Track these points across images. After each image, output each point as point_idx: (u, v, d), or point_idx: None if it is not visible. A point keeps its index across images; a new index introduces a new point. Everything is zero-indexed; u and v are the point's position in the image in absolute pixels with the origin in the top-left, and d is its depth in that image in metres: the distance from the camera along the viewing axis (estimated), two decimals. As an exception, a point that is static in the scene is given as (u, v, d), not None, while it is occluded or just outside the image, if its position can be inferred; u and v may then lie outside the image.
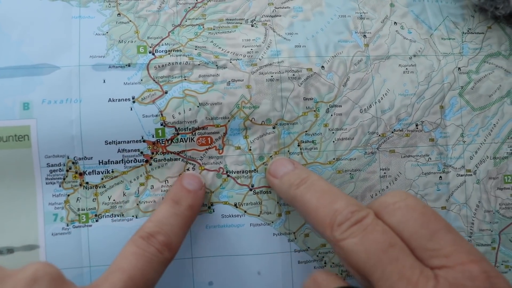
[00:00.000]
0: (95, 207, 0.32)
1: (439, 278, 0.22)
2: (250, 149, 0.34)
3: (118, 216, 0.33)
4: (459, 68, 0.36)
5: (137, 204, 0.33)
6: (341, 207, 0.26)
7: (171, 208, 0.30)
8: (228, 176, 0.34)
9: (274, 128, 0.34)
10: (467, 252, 0.23)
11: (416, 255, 0.24)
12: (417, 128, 0.35)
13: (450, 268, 0.22)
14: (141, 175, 0.33)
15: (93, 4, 0.34)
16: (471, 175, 0.35)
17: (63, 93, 0.32)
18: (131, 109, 0.33)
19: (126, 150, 0.32)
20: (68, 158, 0.32)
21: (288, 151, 0.34)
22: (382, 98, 0.35)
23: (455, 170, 0.35)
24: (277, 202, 0.34)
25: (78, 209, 0.32)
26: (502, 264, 0.35)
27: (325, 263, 0.34)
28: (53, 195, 0.32)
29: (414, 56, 0.36)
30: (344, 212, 0.25)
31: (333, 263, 0.34)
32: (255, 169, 0.34)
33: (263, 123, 0.34)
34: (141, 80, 0.33)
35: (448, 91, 0.35)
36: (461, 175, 0.35)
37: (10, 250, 0.32)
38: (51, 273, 0.24)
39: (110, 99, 0.32)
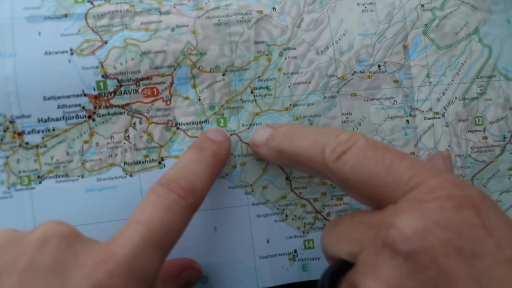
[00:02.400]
0: (37, 169, 0.31)
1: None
2: (199, 99, 0.33)
3: (62, 176, 0.32)
4: (422, 5, 0.35)
5: (82, 163, 0.32)
6: (331, 135, 0.25)
7: (194, 154, 0.28)
8: (178, 128, 0.32)
9: (224, 75, 0.33)
10: (426, 171, 0.22)
11: (379, 194, 0.23)
12: (379, 69, 0.34)
13: (410, 192, 0.22)
14: (84, 132, 0.32)
15: (23, -49, 0.33)
16: (440, 117, 0.34)
17: None
18: (70, 62, 0.31)
19: (66, 105, 0.31)
20: (4, 117, 0.31)
21: (241, 99, 0.33)
22: (339, 39, 0.34)
23: (422, 113, 0.34)
24: (232, 153, 0.32)
25: (19, 171, 0.31)
26: (476, 209, 0.34)
27: (286, 216, 0.33)
28: (-9, 158, 0.31)
29: None
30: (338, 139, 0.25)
31: (294, 215, 0.33)
32: (205, 120, 0.33)
33: (211, 70, 0.32)
34: (79, 30, 0.32)
35: (411, 30, 0.34)
36: (429, 118, 0.34)
37: None
38: (61, 231, 0.23)
39: (46, 52, 0.31)
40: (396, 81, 0.34)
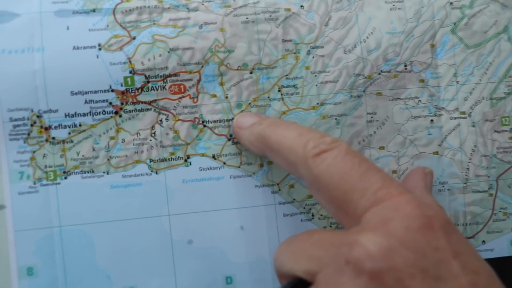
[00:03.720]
0: (63, 164, 0.32)
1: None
2: (226, 97, 0.33)
3: (88, 172, 0.32)
4: (451, 3, 0.35)
5: (108, 159, 0.32)
6: (318, 134, 0.26)
7: None
8: (205, 126, 0.33)
9: (251, 73, 0.33)
10: (396, 187, 0.22)
11: (347, 198, 0.23)
12: (406, 68, 0.34)
13: (376, 205, 0.22)
14: (111, 128, 0.32)
15: None
16: (466, 117, 0.35)
17: (24, 42, 0.31)
18: (98, 57, 0.32)
19: (93, 101, 0.32)
20: (32, 111, 0.31)
21: (268, 97, 0.33)
22: (367, 38, 0.34)
23: (448, 112, 0.34)
24: (258, 152, 0.33)
25: (45, 166, 0.32)
26: (500, 211, 0.34)
27: (312, 215, 0.33)
28: (17, 152, 0.32)
29: None
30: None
31: (321, 215, 0.33)
32: (232, 118, 0.33)
33: (239, 68, 0.33)
34: (107, 25, 0.32)
35: (439, 28, 0.34)
36: (455, 118, 0.34)
37: (-26, 211, 0.31)
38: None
39: (74, 46, 0.32)
40: (422, 81, 0.34)
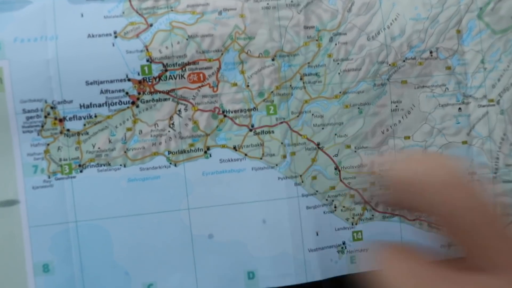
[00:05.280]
0: (78, 157, 0.31)
1: None
2: (248, 85, 0.32)
3: (104, 165, 0.31)
4: None
5: (125, 152, 0.31)
6: None
7: None
8: (225, 116, 0.32)
9: (273, 60, 0.32)
10: None
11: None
12: (431, 55, 0.33)
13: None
14: (127, 119, 0.31)
15: None
16: (494, 105, 0.34)
17: (37, 30, 0.31)
18: (113, 45, 0.31)
19: (109, 90, 0.31)
20: (46, 102, 0.31)
21: (290, 85, 0.32)
22: (391, 24, 0.33)
23: (476, 100, 0.34)
24: (281, 143, 0.32)
25: (60, 159, 0.31)
26: (532, 202, 0.34)
27: (335, 207, 0.33)
28: (31, 145, 0.31)
29: None
30: None
31: (343, 206, 0.33)
32: (254, 107, 0.32)
33: (260, 55, 0.32)
34: (123, 12, 0.31)
35: (465, 14, 0.34)
36: (483, 106, 0.34)
37: (-13, 206, 0.30)
38: None
39: (89, 34, 0.31)
40: (448, 68, 0.34)
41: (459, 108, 0.34)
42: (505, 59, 0.34)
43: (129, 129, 0.32)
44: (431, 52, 0.34)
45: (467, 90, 0.34)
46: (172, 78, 0.32)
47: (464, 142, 0.34)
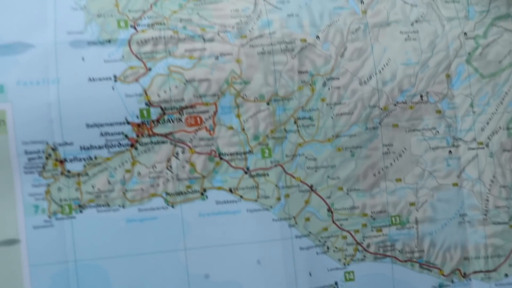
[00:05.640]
0: (78, 197, 0.32)
1: None
2: (243, 129, 0.33)
3: (103, 206, 0.32)
4: (465, 33, 0.35)
5: (124, 193, 0.32)
6: None
7: None
8: (221, 159, 0.33)
9: (268, 104, 0.33)
10: None
11: None
12: (422, 99, 0.35)
13: None
14: (126, 161, 0.32)
15: (68, -23, 0.34)
16: (484, 148, 0.35)
17: (39, 73, 0.32)
18: (113, 89, 0.32)
19: (109, 133, 0.32)
20: (47, 144, 0.32)
21: (285, 129, 0.33)
22: (383, 69, 0.34)
23: (465, 143, 0.35)
24: (275, 185, 0.33)
25: (61, 200, 0.32)
26: (521, 243, 0.35)
27: (327, 248, 0.34)
28: (32, 185, 0.32)
29: (416, 22, 0.35)
30: None
31: (336, 247, 0.34)
32: (250, 150, 0.33)
33: (256, 99, 0.33)
34: (123, 56, 0.33)
35: (454, 59, 0.35)
36: (473, 149, 0.35)
37: (-12, 246, 0.31)
38: None
39: (90, 78, 0.32)
40: (438, 111, 0.35)
41: (450, 151, 0.35)
42: (494, 103, 0.35)
43: (128, 171, 0.33)
44: (421, 96, 0.35)
45: (457, 133, 0.35)
46: (170, 122, 0.33)
47: (455, 184, 0.35)
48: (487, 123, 0.35)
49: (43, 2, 0.33)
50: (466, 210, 0.35)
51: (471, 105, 0.35)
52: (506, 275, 0.35)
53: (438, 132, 0.35)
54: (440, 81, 0.35)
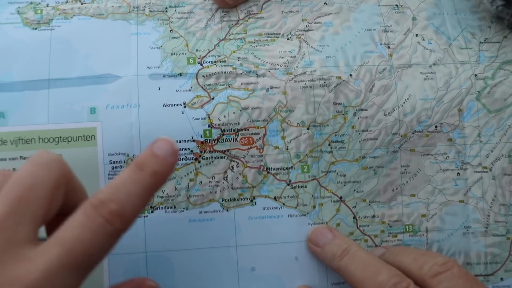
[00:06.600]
0: (150, 200, 0.39)
1: None
2: (287, 149, 0.40)
3: (170, 208, 0.38)
4: (475, 75, 0.41)
5: (188, 198, 0.38)
6: (384, 279, 0.30)
7: (133, 174, 0.26)
8: (268, 172, 0.39)
9: (308, 129, 0.40)
10: None
11: None
12: (436, 129, 0.41)
13: None
14: (191, 172, 0.39)
15: (149, 22, 0.41)
16: (487, 171, 0.40)
17: (124, 99, 0.37)
18: (183, 113, 0.38)
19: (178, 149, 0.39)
20: (128, 156, 0.38)
21: (321, 149, 0.40)
22: (404, 103, 0.41)
23: (472, 167, 0.41)
24: (312, 196, 0.40)
25: (136, 201, 0.39)
26: (516, 253, 0.40)
27: (354, 250, 0.40)
28: (114, 189, 0.39)
29: (434, 64, 0.41)
30: (388, 285, 0.30)
31: (361, 250, 0.40)
32: (292, 166, 0.40)
33: (298, 125, 0.40)
34: (191, 87, 0.39)
35: (466, 96, 0.41)
36: (478, 172, 0.40)
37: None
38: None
39: (164, 104, 0.38)
40: (450, 140, 0.41)
41: (458, 173, 0.41)
42: (498, 134, 0.41)
43: (191, 180, 0.39)
44: (436, 127, 0.41)
45: (465, 158, 0.41)
46: (227, 141, 0.39)
47: (461, 201, 0.41)
48: (492, 150, 0.40)
49: (128, 42, 0.39)
50: (470, 223, 0.39)
51: (479, 135, 0.41)
52: (502, 279, 0.38)
53: (448, 156, 0.41)
54: (453, 114, 0.41)
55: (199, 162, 0.36)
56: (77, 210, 0.24)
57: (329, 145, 0.37)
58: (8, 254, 0.23)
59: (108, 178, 0.36)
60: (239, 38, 0.39)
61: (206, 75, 0.37)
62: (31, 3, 0.39)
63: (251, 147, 0.37)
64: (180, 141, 0.36)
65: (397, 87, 0.38)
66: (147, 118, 0.37)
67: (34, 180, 0.24)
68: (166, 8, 0.39)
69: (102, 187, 0.27)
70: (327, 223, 0.37)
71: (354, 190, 0.38)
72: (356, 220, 0.37)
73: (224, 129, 0.36)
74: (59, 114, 0.37)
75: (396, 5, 0.41)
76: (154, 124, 0.36)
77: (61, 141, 0.36)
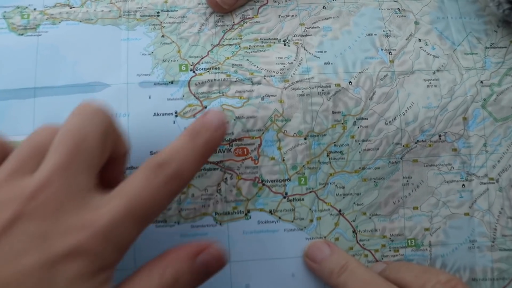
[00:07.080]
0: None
1: None
2: (283, 160, 0.38)
3: (161, 222, 0.37)
4: (481, 82, 0.39)
5: (179, 211, 0.37)
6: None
7: (187, 142, 0.29)
8: (264, 185, 0.38)
9: (305, 139, 0.38)
10: None
11: None
12: (440, 139, 0.39)
13: None
14: (183, 184, 0.38)
15: (139, 27, 0.39)
16: (494, 183, 0.39)
17: (113, 108, 0.37)
18: (174, 123, 0.36)
19: (169, 160, 0.37)
20: (117, 168, 0.37)
21: (318, 160, 0.39)
22: (406, 111, 0.39)
23: (478, 178, 0.39)
24: (309, 209, 0.38)
25: (126, 215, 0.37)
26: (525, 269, 0.38)
27: (354, 266, 0.38)
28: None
29: (438, 71, 0.39)
30: None
31: (361, 266, 0.38)
32: (288, 178, 0.38)
33: (295, 135, 0.39)
34: (183, 96, 0.38)
35: (471, 103, 0.39)
36: (484, 183, 0.39)
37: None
38: (66, 187, 0.26)
39: (155, 113, 0.37)
40: (454, 150, 0.39)
41: (463, 185, 0.39)
42: (505, 144, 0.40)
43: (183, 193, 0.37)
44: (439, 136, 0.39)
45: (471, 169, 0.40)
46: (221, 152, 0.38)
47: (466, 214, 0.39)
48: (498, 161, 0.39)
49: (118, 49, 0.38)
50: (476, 237, 0.38)
51: (485, 145, 0.39)
52: (510, 297, 0.38)
53: (453, 167, 0.39)
54: (458, 123, 0.39)
55: (191, 173, 0.34)
56: (138, 168, 0.27)
57: (327, 155, 0.35)
58: (72, 202, 0.24)
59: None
60: (233, 44, 0.37)
61: (199, 83, 0.35)
62: (18, 7, 0.37)
63: (245, 158, 0.35)
64: (171, 152, 0.34)
65: (399, 94, 0.36)
66: (137, 127, 0.36)
67: (85, 130, 0.26)
68: (158, 12, 0.37)
69: (160, 151, 0.29)
70: (325, 237, 0.35)
71: (354, 203, 0.36)
72: (356, 234, 0.36)
73: (217, 140, 0.34)
74: (45, 124, 0.34)
75: (398, 8, 0.39)
76: (144, 134, 0.35)
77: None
